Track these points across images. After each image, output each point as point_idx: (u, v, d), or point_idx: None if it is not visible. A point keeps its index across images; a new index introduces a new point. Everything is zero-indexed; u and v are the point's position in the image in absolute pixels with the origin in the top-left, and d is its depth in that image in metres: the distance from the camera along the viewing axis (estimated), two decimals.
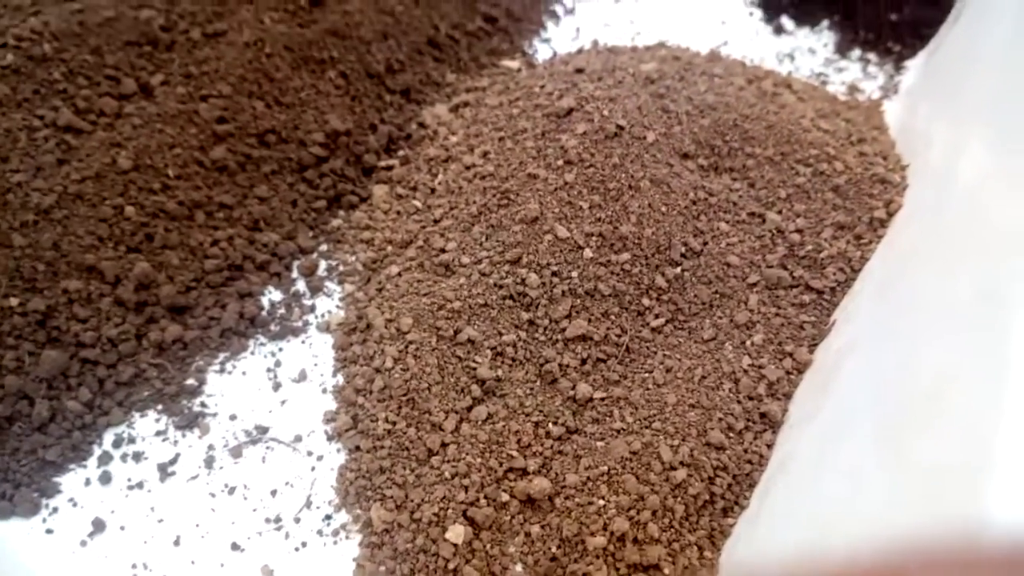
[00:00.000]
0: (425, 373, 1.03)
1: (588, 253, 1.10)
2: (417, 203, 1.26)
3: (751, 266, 1.12)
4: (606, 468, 0.94)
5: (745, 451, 0.96)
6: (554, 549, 0.89)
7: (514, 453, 0.96)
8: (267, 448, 1.01)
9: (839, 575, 0.65)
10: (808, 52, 1.62)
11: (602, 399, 1.02)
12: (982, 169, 0.90)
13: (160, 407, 1.04)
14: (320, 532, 0.94)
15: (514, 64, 1.53)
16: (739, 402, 1.00)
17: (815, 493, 0.79)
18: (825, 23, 1.68)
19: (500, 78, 1.48)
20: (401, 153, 1.37)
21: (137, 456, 0.99)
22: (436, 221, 1.22)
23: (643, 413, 0.99)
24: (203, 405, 1.05)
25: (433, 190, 1.27)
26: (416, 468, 0.96)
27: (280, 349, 1.12)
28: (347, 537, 0.93)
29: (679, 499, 0.91)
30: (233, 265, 1.17)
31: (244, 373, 1.09)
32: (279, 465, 1.00)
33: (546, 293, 1.08)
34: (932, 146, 1.14)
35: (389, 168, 1.34)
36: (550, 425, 1.00)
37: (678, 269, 1.12)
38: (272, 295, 1.17)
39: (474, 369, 1.03)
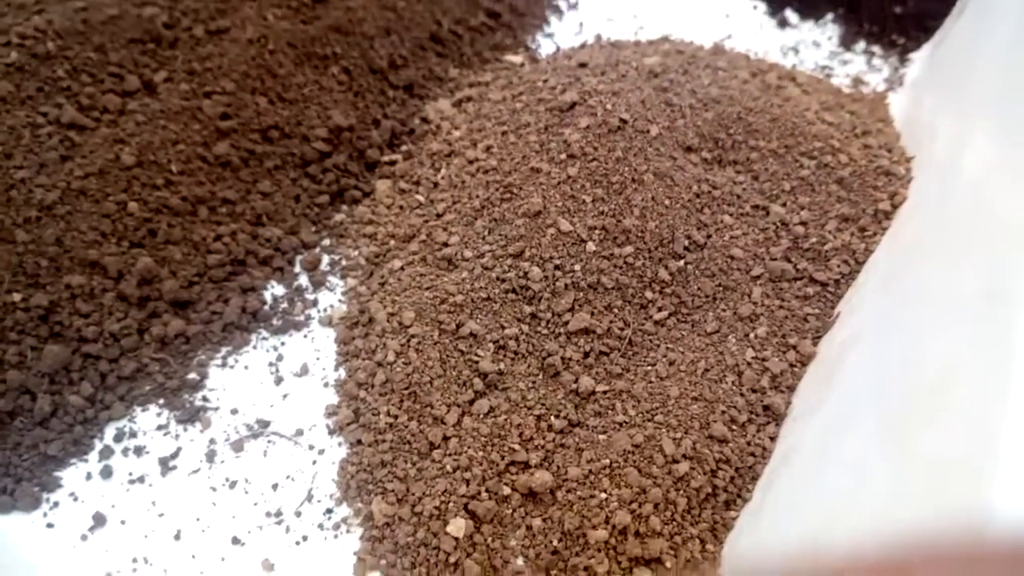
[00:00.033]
0: (427, 367, 1.02)
1: (591, 246, 1.09)
2: (420, 197, 1.26)
3: (755, 259, 1.12)
4: (608, 461, 0.93)
5: (748, 444, 0.95)
6: (555, 542, 0.89)
7: (516, 446, 0.96)
8: (268, 442, 1.01)
9: (842, 569, 0.64)
10: (812, 45, 1.62)
11: (604, 392, 1.02)
12: (987, 161, 0.89)
13: (162, 401, 1.04)
14: (321, 526, 0.94)
15: (517, 59, 1.53)
16: (742, 395, 0.99)
17: (818, 486, 0.78)
18: (829, 16, 1.67)
19: (503, 73, 1.48)
20: (404, 148, 1.37)
21: (138, 450, 0.99)
22: (439, 215, 1.22)
23: (646, 406, 0.99)
24: (205, 399, 1.05)
25: (436, 184, 1.27)
26: (417, 462, 0.96)
27: (282, 343, 1.12)
28: (348, 531, 0.93)
29: (681, 492, 0.91)
30: (236, 260, 1.17)
31: (246, 367, 1.09)
32: (280, 459, 1.00)
33: (549, 286, 1.08)
34: (937, 138, 1.14)
35: (392, 163, 1.33)
36: (552, 418, 0.99)
37: (681, 262, 1.11)
38: (275, 289, 1.17)
39: (476, 362, 1.03)
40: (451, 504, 0.91)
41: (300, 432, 1.02)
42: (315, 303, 1.16)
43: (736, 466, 0.94)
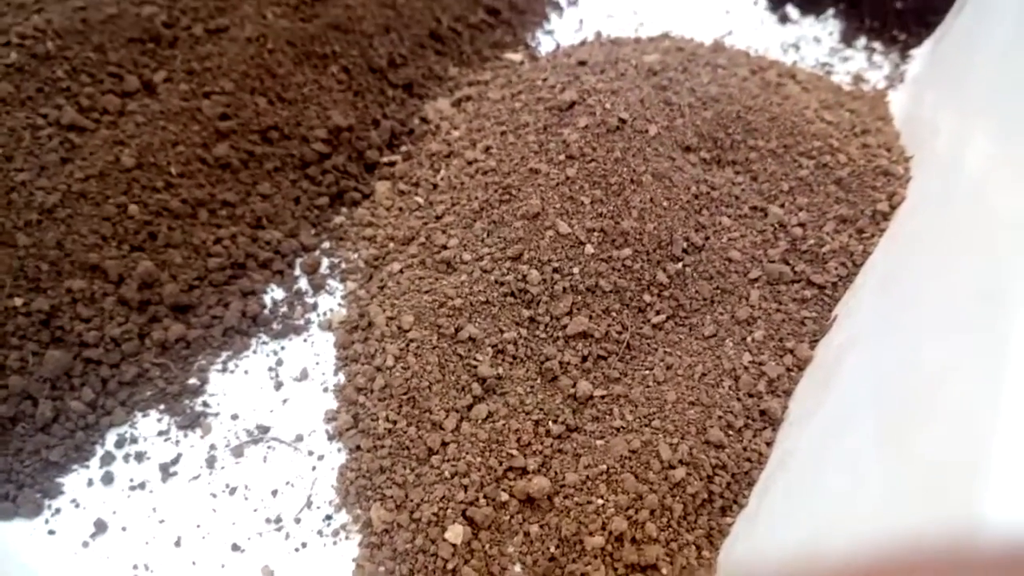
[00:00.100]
0: (426, 371, 1.03)
1: (589, 249, 1.10)
2: (419, 199, 1.26)
3: (753, 261, 1.12)
4: (605, 467, 0.94)
5: (744, 449, 0.96)
6: (553, 549, 0.90)
7: (514, 452, 0.96)
8: (268, 448, 1.02)
9: (838, 574, 0.65)
10: (813, 41, 1.61)
11: (602, 397, 1.02)
12: (986, 159, 0.89)
13: (163, 407, 1.05)
14: (320, 532, 0.94)
15: (517, 57, 1.53)
16: (739, 399, 1.00)
17: (814, 491, 0.79)
18: (830, 11, 1.66)
19: (503, 71, 1.48)
20: (403, 149, 1.37)
21: (139, 456, 1.00)
22: (438, 217, 1.22)
23: (643, 411, 0.99)
24: (205, 405, 1.05)
25: (435, 186, 1.27)
26: (416, 467, 0.96)
27: (282, 348, 1.12)
28: (347, 537, 0.94)
29: (678, 498, 0.91)
30: (236, 263, 1.17)
31: (246, 372, 1.09)
32: (280, 465, 1.00)
33: (547, 290, 1.08)
34: (937, 136, 1.13)
35: (392, 164, 1.33)
36: (550, 423, 1.00)
37: (679, 265, 1.11)
38: (274, 293, 1.17)
39: (475, 367, 1.03)
40: (449, 510, 0.91)
41: (300, 438, 1.03)
42: (315, 307, 1.16)
43: (732, 472, 0.94)
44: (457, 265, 1.14)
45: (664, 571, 0.87)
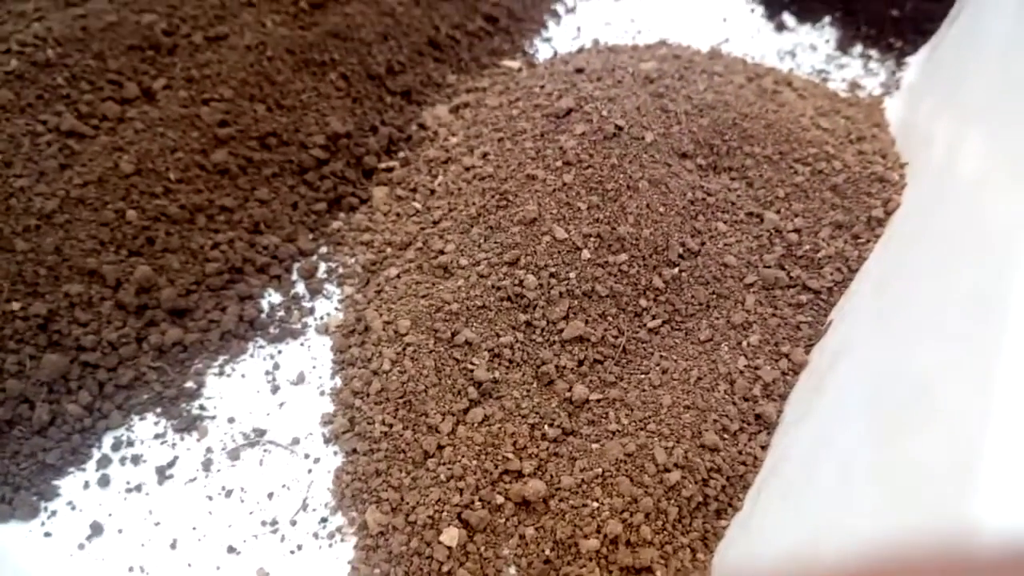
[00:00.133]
0: (422, 375, 1.03)
1: (586, 254, 1.10)
2: (417, 205, 1.26)
3: (748, 266, 1.12)
4: (600, 470, 0.94)
5: (739, 453, 0.96)
6: (548, 552, 0.90)
7: (510, 455, 0.97)
8: (264, 451, 1.02)
9: None
10: (810, 49, 1.62)
11: (598, 401, 1.03)
12: (981, 166, 0.90)
13: (159, 410, 1.05)
14: (316, 535, 0.94)
15: (515, 64, 1.53)
16: (734, 403, 1.00)
17: (807, 495, 0.79)
18: (827, 19, 1.67)
19: (500, 78, 1.49)
20: (401, 155, 1.37)
21: (136, 459, 1.00)
22: (435, 223, 1.22)
23: (638, 415, 0.99)
24: (202, 408, 1.06)
25: (433, 192, 1.28)
26: (412, 471, 0.97)
27: (279, 351, 1.12)
28: (342, 540, 0.94)
29: (672, 501, 0.91)
30: (233, 268, 1.17)
31: (243, 376, 1.10)
32: (276, 468, 1.01)
33: (544, 294, 1.09)
34: (932, 143, 1.14)
35: (389, 170, 1.34)
36: (546, 427, 1.00)
37: (675, 270, 1.12)
38: (272, 297, 1.18)
39: (471, 371, 1.04)
40: (445, 513, 0.92)
41: (296, 441, 1.03)
42: (312, 311, 1.17)
43: (727, 475, 0.94)
44: (454, 270, 1.14)
45: (659, 574, 0.88)
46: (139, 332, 1.09)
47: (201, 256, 1.16)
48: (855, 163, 1.20)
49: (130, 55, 1.27)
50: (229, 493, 0.98)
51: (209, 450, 1.02)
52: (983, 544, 0.49)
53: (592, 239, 1.11)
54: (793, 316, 1.07)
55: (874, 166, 1.20)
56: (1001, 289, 0.65)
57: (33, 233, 1.09)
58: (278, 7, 1.40)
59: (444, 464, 0.96)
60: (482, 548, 0.91)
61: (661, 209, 1.14)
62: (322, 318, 1.16)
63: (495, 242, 1.14)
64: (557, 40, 1.65)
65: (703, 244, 1.14)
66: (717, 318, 1.09)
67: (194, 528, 0.95)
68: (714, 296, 1.11)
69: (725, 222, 1.16)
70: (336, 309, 1.17)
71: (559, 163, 1.18)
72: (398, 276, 1.16)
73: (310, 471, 1.00)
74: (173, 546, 0.93)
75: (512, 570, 0.90)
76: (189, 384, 1.07)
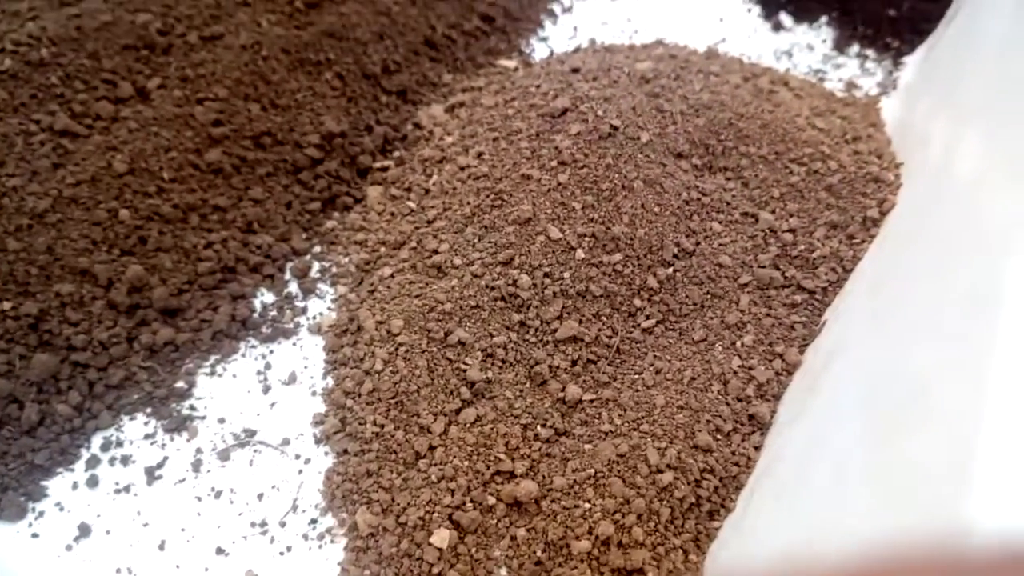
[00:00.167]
0: (415, 375, 1.02)
1: (580, 254, 1.09)
2: (411, 204, 1.26)
3: (743, 266, 1.12)
4: (593, 471, 0.93)
5: (733, 453, 0.95)
6: (539, 553, 0.89)
7: (502, 456, 0.96)
8: (255, 451, 1.01)
9: None
10: (806, 48, 1.61)
11: (591, 401, 1.02)
12: (977, 165, 0.89)
13: (149, 410, 1.04)
14: (306, 536, 0.94)
15: (511, 63, 1.53)
16: (728, 404, 0.99)
17: (800, 496, 0.78)
18: (823, 19, 1.67)
19: (496, 78, 1.48)
20: (396, 154, 1.36)
21: (125, 459, 0.99)
22: (430, 222, 1.22)
23: (631, 415, 0.99)
24: (192, 408, 1.05)
25: (427, 191, 1.27)
26: (403, 471, 0.96)
27: (271, 351, 1.12)
28: (332, 541, 0.93)
29: (665, 502, 0.91)
30: (226, 267, 1.17)
31: (234, 376, 1.09)
32: (266, 468, 1.00)
33: (537, 294, 1.08)
34: (929, 143, 1.13)
35: (384, 169, 1.34)
36: (539, 427, 0.99)
37: (670, 270, 1.11)
38: (264, 297, 1.17)
39: (464, 371, 1.03)
40: (435, 514, 0.91)
41: (287, 441, 1.02)
42: (304, 311, 1.16)
43: (720, 476, 0.93)
44: (448, 270, 1.14)
45: (650, 575, 0.87)
46: (130, 332, 1.08)
47: (194, 255, 1.16)
48: (850, 163, 1.20)
49: (124, 54, 1.26)
50: (219, 494, 0.97)
51: (199, 450, 1.01)
52: (978, 544, 0.49)
53: (587, 239, 1.11)
54: (787, 316, 1.06)
55: (869, 166, 1.19)
56: (996, 290, 0.65)
57: (25, 232, 1.08)
58: (273, 6, 1.40)
59: (436, 465, 0.95)
60: (473, 549, 0.90)
61: (656, 209, 1.14)
62: (315, 318, 1.15)
63: (489, 242, 1.14)
64: (553, 39, 1.64)
65: (698, 244, 1.14)
66: (711, 318, 1.08)
67: (183, 529, 0.94)
68: (708, 296, 1.10)
69: (720, 222, 1.16)
70: (329, 309, 1.16)
71: (554, 163, 1.18)
72: (392, 276, 1.16)
73: (300, 472, 1.00)
74: (162, 547, 0.93)
75: (503, 571, 0.89)
76: (180, 384, 1.07)
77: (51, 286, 1.07)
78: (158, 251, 1.14)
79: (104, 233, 1.12)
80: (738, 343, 1.05)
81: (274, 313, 1.15)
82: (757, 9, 1.71)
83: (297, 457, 1.01)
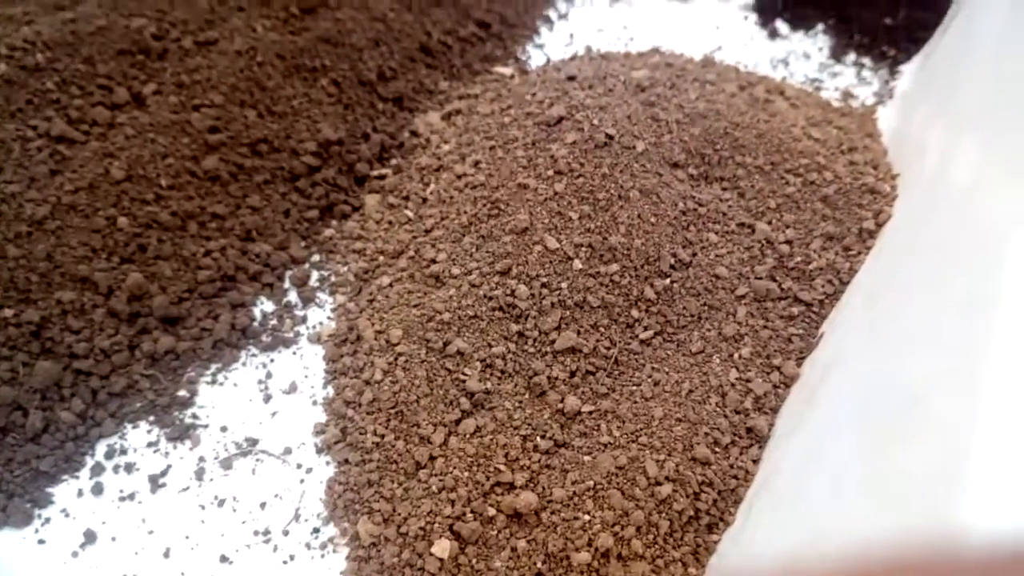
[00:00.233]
0: (414, 385, 1.03)
1: (577, 264, 1.10)
2: (409, 213, 1.26)
3: (740, 278, 1.12)
4: (592, 483, 0.94)
5: (731, 466, 0.96)
6: (539, 564, 0.90)
7: (501, 467, 0.97)
8: (257, 460, 1.02)
9: None
10: (803, 57, 1.62)
11: (590, 412, 1.03)
12: (973, 175, 0.90)
13: (152, 418, 1.05)
14: (308, 545, 0.94)
15: (507, 70, 1.53)
16: (726, 416, 1.00)
17: (798, 508, 0.79)
18: (820, 27, 1.68)
19: (492, 85, 1.49)
20: (394, 162, 1.37)
21: (129, 467, 1.00)
22: (427, 231, 1.22)
23: (630, 427, 1.00)
24: (194, 416, 1.05)
25: (425, 200, 1.28)
26: (404, 481, 0.97)
27: (271, 360, 1.12)
28: (334, 550, 0.94)
29: (664, 515, 0.91)
30: (226, 275, 1.17)
31: (235, 384, 1.09)
32: (268, 477, 1.01)
33: (535, 305, 1.09)
34: (925, 152, 1.14)
35: (381, 177, 1.34)
36: (538, 439, 1.00)
37: (667, 281, 1.12)
38: (264, 306, 1.18)
39: (463, 381, 1.04)
40: (436, 525, 0.92)
41: (288, 450, 1.03)
42: (304, 320, 1.17)
43: (719, 488, 0.94)
44: (446, 279, 1.14)
45: None
46: (131, 340, 1.09)
47: (193, 264, 1.16)
48: (846, 174, 1.21)
49: (120, 60, 1.27)
50: (222, 502, 0.98)
51: (202, 459, 1.01)
52: (972, 551, 0.50)
53: (583, 249, 1.11)
54: (784, 328, 1.07)
55: (865, 177, 1.20)
56: (991, 300, 0.66)
57: (24, 239, 1.08)
58: (269, 12, 1.40)
59: (436, 475, 0.96)
60: (474, 560, 0.91)
61: (652, 219, 1.14)
62: (314, 327, 1.16)
63: (487, 251, 1.14)
64: (550, 47, 1.65)
65: (694, 255, 1.15)
66: (709, 330, 1.09)
67: (187, 537, 0.95)
68: (705, 308, 1.11)
69: (716, 233, 1.17)
70: (328, 318, 1.17)
71: (550, 172, 1.18)
72: (390, 285, 1.16)
73: (302, 481, 1.00)
74: (166, 555, 0.93)
75: None
76: (182, 392, 1.07)
77: (52, 293, 1.07)
78: (157, 259, 1.14)
79: (103, 240, 1.12)
80: (736, 355, 1.05)
81: (274, 322, 1.16)
82: (754, 17, 1.72)
83: (299, 466, 1.02)
